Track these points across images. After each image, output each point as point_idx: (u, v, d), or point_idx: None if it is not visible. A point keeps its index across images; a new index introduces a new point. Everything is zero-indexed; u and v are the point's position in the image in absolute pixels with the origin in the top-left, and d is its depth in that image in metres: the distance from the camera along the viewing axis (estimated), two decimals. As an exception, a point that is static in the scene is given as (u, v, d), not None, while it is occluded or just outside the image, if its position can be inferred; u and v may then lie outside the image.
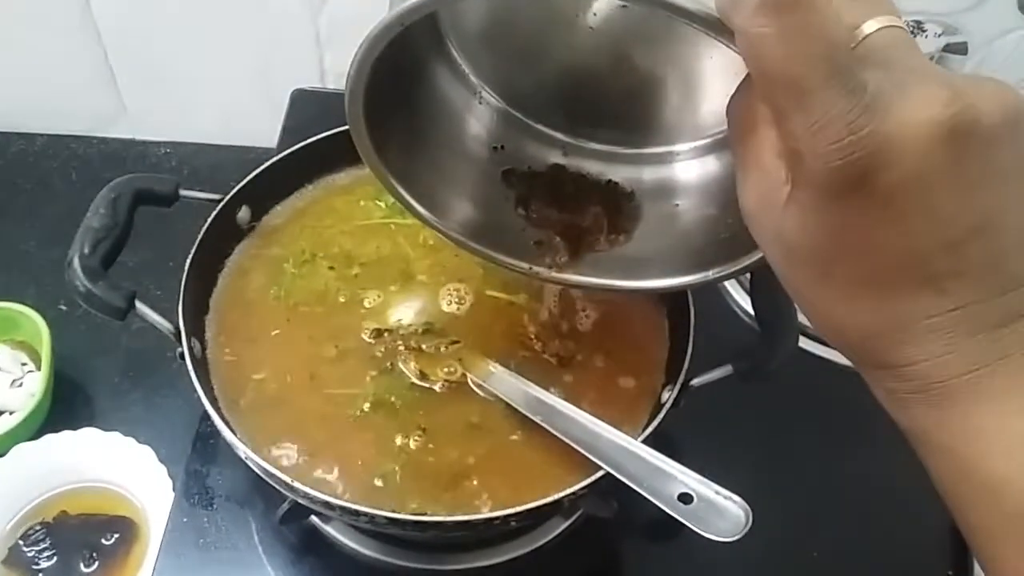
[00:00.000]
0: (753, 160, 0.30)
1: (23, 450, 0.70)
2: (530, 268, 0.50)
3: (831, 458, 0.70)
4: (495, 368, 0.56)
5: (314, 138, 0.64)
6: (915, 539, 0.67)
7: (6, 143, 0.99)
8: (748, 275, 0.59)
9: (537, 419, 0.51)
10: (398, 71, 0.41)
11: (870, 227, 0.27)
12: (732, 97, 0.32)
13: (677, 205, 0.49)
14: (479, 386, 0.56)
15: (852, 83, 0.25)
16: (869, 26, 0.27)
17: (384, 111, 0.42)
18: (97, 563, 0.68)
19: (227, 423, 0.52)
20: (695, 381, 0.55)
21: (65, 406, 0.77)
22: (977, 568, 0.60)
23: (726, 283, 0.79)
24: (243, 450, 0.50)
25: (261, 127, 0.91)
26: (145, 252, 0.80)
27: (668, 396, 0.54)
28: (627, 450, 0.48)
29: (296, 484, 0.48)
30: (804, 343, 0.73)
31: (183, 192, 0.59)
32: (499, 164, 0.51)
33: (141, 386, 0.80)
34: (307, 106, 0.91)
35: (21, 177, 0.97)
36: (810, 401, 0.75)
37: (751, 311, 0.74)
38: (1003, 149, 0.26)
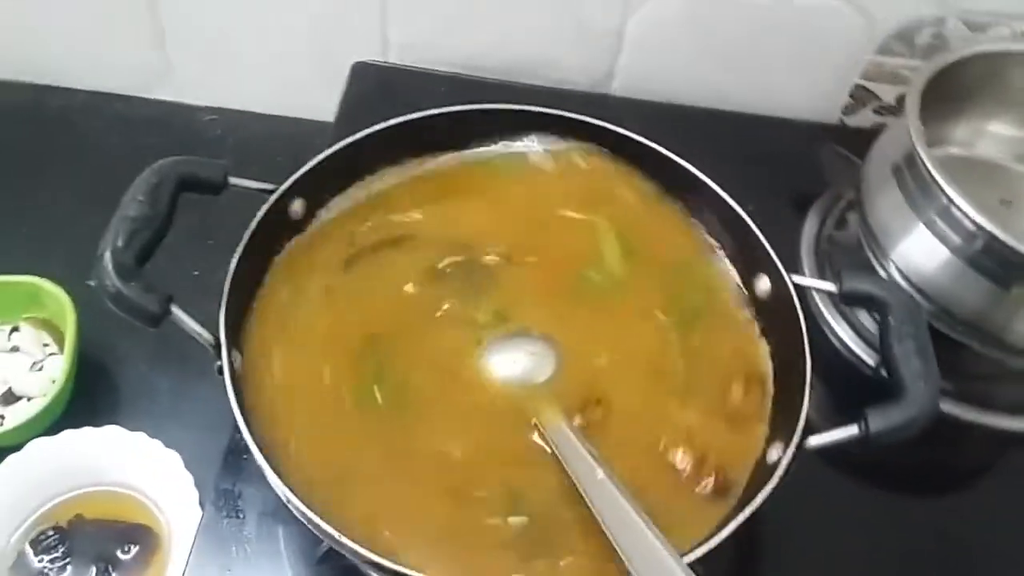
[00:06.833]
0: None
1: (40, 445, 0.64)
2: None
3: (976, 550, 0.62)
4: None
5: (380, 126, 0.57)
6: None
7: (47, 98, 0.92)
8: (876, 321, 0.51)
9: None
10: None
11: None
12: None
13: None
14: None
15: None
16: None
17: None
18: (112, 578, 0.62)
19: (268, 459, 0.45)
20: (812, 442, 0.47)
21: (87, 395, 0.71)
22: None
23: (839, 331, 0.68)
24: (283, 491, 0.43)
25: (316, 99, 0.84)
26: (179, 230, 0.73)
27: (779, 456, 0.46)
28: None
29: (345, 540, 0.41)
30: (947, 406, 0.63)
31: (232, 180, 0.52)
32: None
33: (170, 376, 0.74)
34: (368, 81, 0.83)
35: (60, 137, 0.90)
36: (951, 474, 0.66)
37: (869, 361, 0.65)
38: None
